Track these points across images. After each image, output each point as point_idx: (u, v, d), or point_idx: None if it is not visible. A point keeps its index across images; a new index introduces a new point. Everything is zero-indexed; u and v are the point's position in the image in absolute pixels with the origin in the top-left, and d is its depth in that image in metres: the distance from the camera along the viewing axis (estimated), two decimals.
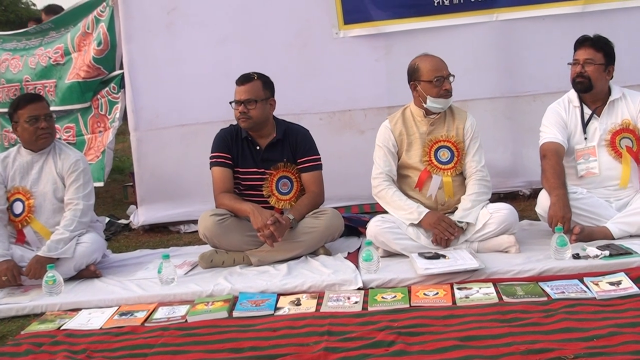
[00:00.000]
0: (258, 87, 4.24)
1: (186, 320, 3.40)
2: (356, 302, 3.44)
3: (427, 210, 4.07)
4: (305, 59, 5.44)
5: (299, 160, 4.33)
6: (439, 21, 5.36)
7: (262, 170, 4.29)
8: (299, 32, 5.44)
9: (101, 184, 5.71)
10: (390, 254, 4.06)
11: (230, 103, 4.30)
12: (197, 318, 3.41)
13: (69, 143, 5.45)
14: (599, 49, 4.17)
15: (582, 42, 4.23)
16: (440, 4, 5.33)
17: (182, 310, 3.53)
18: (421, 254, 3.90)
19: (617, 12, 5.29)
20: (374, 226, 4.04)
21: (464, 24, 5.36)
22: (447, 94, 4.12)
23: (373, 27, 5.40)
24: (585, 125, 4.24)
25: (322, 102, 5.47)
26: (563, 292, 3.34)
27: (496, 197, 5.24)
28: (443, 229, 3.99)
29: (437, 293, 3.48)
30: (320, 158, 4.38)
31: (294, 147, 4.34)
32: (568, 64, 4.27)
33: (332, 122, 5.50)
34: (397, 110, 4.29)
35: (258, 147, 4.33)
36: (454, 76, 4.14)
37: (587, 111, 4.27)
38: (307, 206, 4.24)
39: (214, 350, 3.01)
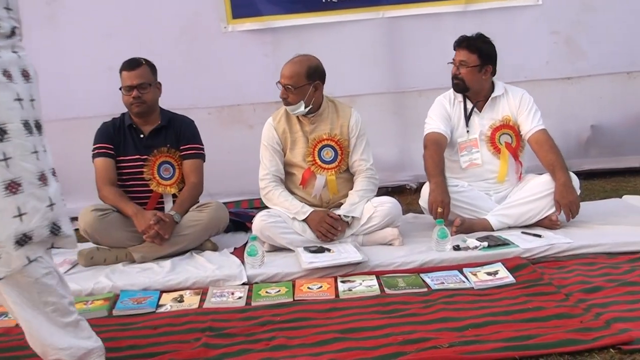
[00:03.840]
0: (147, 71, 4.22)
1: None
2: (240, 298, 3.41)
3: (312, 210, 4.08)
4: (194, 53, 5.38)
5: (181, 147, 4.29)
6: (327, 17, 5.42)
7: (145, 157, 4.23)
8: (187, 26, 5.38)
9: None
10: (276, 249, 4.05)
11: (120, 89, 4.20)
12: None
13: None
14: (473, 51, 4.27)
15: (459, 44, 4.33)
16: (329, 0, 5.36)
17: None
18: (306, 248, 3.91)
19: (497, 11, 5.49)
20: (260, 221, 4.02)
21: (351, 21, 5.43)
22: (284, 101, 4.13)
23: (262, 22, 5.40)
24: (467, 119, 4.35)
25: (211, 96, 5.43)
26: (442, 283, 3.42)
27: (384, 192, 5.33)
28: (325, 230, 4.01)
29: (321, 286, 3.49)
30: (203, 148, 4.35)
31: (178, 133, 4.30)
32: (448, 63, 4.37)
33: (220, 116, 5.47)
34: (281, 107, 4.27)
35: (142, 135, 4.27)
36: (284, 86, 4.08)
37: (470, 106, 4.39)
38: (188, 199, 4.20)
39: None
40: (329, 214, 4.08)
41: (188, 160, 4.29)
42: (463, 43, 4.30)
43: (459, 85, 4.32)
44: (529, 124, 4.29)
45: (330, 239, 4.02)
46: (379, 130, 5.35)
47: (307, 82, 4.08)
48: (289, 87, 4.07)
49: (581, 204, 4.26)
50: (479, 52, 4.27)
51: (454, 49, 4.34)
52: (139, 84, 4.15)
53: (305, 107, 4.10)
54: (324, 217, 4.04)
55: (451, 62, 4.34)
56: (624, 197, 4.96)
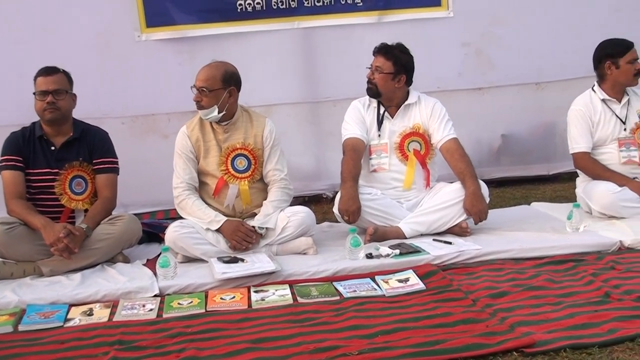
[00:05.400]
0: (64, 79, 4.14)
1: None
2: (151, 310, 3.37)
3: (225, 219, 4.05)
4: (107, 61, 5.29)
5: (95, 161, 4.20)
6: (243, 27, 5.41)
7: (56, 170, 4.12)
8: (100, 34, 5.28)
9: None
10: (190, 260, 4.01)
11: (34, 94, 4.10)
12: None
13: None
14: (389, 58, 4.35)
15: (378, 50, 4.41)
16: (244, 10, 5.37)
17: None
18: (220, 259, 3.89)
19: (410, 22, 5.60)
20: (173, 231, 3.98)
21: (267, 31, 5.44)
22: (197, 105, 4.12)
23: (176, 31, 5.36)
24: (379, 124, 4.42)
25: (125, 105, 5.35)
26: (355, 291, 3.45)
27: (300, 201, 5.37)
28: (239, 240, 4.00)
29: (234, 297, 3.48)
30: (117, 162, 4.28)
31: (91, 147, 4.21)
32: (367, 67, 4.44)
33: (134, 126, 5.39)
34: (196, 116, 4.25)
35: (53, 148, 4.16)
36: (197, 89, 4.09)
37: (386, 114, 4.45)
38: (101, 213, 4.11)
39: None
40: (242, 222, 4.07)
41: (101, 174, 4.20)
42: (382, 50, 4.38)
43: (372, 90, 4.39)
44: (441, 133, 4.38)
45: (244, 248, 4.01)
46: (294, 139, 5.40)
47: (222, 86, 4.08)
48: (204, 89, 4.05)
49: (492, 211, 4.38)
50: (394, 60, 4.34)
51: (373, 54, 4.41)
52: (55, 89, 4.07)
53: (219, 112, 4.08)
54: (238, 226, 4.03)
55: (369, 67, 4.40)
56: (533, 204, 5.12)
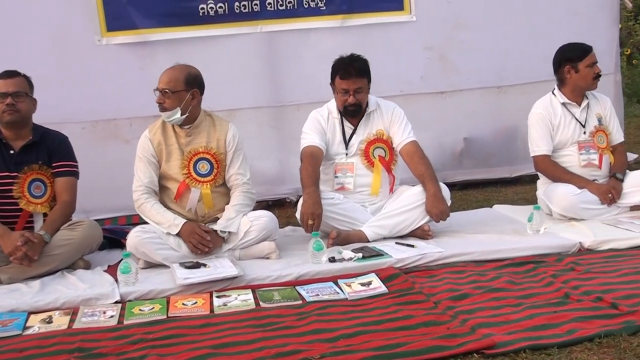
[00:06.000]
0: (24, 82, 4.11)
1: None
2: (112, 316, 3.34)
3: (184, 222, 4.03)
4: (66, 66, 5.21)
5: (54, 164, 4.15)
6: (205, 31, 5.37)
7: (15, 173, 4.07)
8: (60, 38, 5.20)
9: None
10: (151, 265, 3.98)
11: None
12: None
13: None
14: (365, 75, 4.33)
15: (357, 73, 4.30)
16: (206, 14, 5.33)
17: None
18: (182, 264, 3.86)
19: (373, 26, 5.61)
20: (134, 237, 3.94)
21: (229, 35, 5.41)
22: (160, 107, 4.11)
23: (138, 35, 5.30)
24: (348, 139, 4.43)
25: (85, 110, 5.27)
26: (317, 295, 3.46)
27: (264, 205, 5.35)
28: (196, 242, 3.97)
29: (196, 302, 3.46)
30: (77, 166, 4.24)
31: (51, 150, 4.17)
32: (342, 93, 4.36)
33: (95, 131, 5.32)
34: (159, 119, 4.22)
35: (12, 151, 4.11)
36: (160, 91, 4.08)
37: (347, 124, 4.45)
38: (59, 218, 4.05)
39: None
40: (199, 225, 4.05)
41: (60, 178, 4.16)
42: (359, 71, 4.30)
43: (357, 111, 4.40)
44: (400, 136, 4.41)
45: (202, 251, 3.98)
46: (258, 144, 5.38)
47: (184, 88, 4.07)
48: (166, 91, 4.04)
49: (454, 213, 4.42)
50: (368, 75, 4.36)
51: (342, 77, 4.32)
52: (15, 92, 4.03)
53: (182, 115, 4.07)
54: (195, 228, 4.00)
55: (343, 91, 4.32)
56: (495, 206, 5.16)
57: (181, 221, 4.03)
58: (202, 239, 3.97)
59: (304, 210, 4.10)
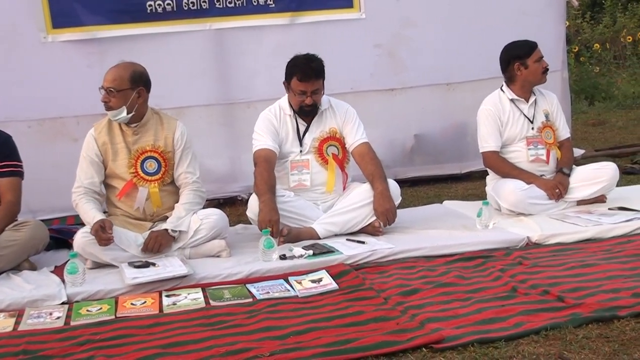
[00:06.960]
0: None
1: None
2: (58, 318, 3.28)
3: (98, 219, 3.87)
4: (11, 63, 5.11)
5: None
6: (154, 28, 5.31)
7: None
8: (4, 36, 5.10)
9: None
10: (100, 265, 3.92)
11: None
12: None
13: None
14: (321, 76, 4.32)
15: (315, 75, 4.27)
16: (154, 11, 5.28)
17: None
18: (131, 263, 3.81)
19: (323, 24, 5.61)
20: (81, 237, 3.87)
21: (178, 32, 5.36)
22: (105, 106, 4.05)
23: (84, 32, 5.22)
24: (302, 137, 4.42)
25: (31, 109, 5.17)
26: (268, 293, 3.45)
27: (215, 203, 5.31)
28: (99, 239, 3.80)
29: (145, 302, 3.42)
30: (21, 166, 4.15)
31: None
32: (299, 95, 4.32)
33: (42, 129, 5.23)
34: (105, 118, 4.16)
35: None
36: (105, 90, 4.03)
37: (300, 121, 4.44)
38: (4, 219, 3.97)
39: None
40: (105, 221, 3.86)
41: (4, 178, 4.06)
42: (316, 72, 4.28)
43: (313, 112, 4.39)
44: (353, 137, 4.42)
45: (156, 251, 3.93)
46: (208, 142, 5.35)
47: (130, 86, 4.02)
48: (111, 90, 3.98)
49: (404, 210, 4.44)
50: (323, 76, 4.34)
51: (304, 80, 4.28)
52: None
53: (128, 113, 4.01)
54: (98, 226, 3.81)
55: (300, 93, 4.28)
56: (445, 202, 5.20)
57: (96, 219, 3.87)
58: (96, 233, 3.80)
59: (261, 218, 4.05)
